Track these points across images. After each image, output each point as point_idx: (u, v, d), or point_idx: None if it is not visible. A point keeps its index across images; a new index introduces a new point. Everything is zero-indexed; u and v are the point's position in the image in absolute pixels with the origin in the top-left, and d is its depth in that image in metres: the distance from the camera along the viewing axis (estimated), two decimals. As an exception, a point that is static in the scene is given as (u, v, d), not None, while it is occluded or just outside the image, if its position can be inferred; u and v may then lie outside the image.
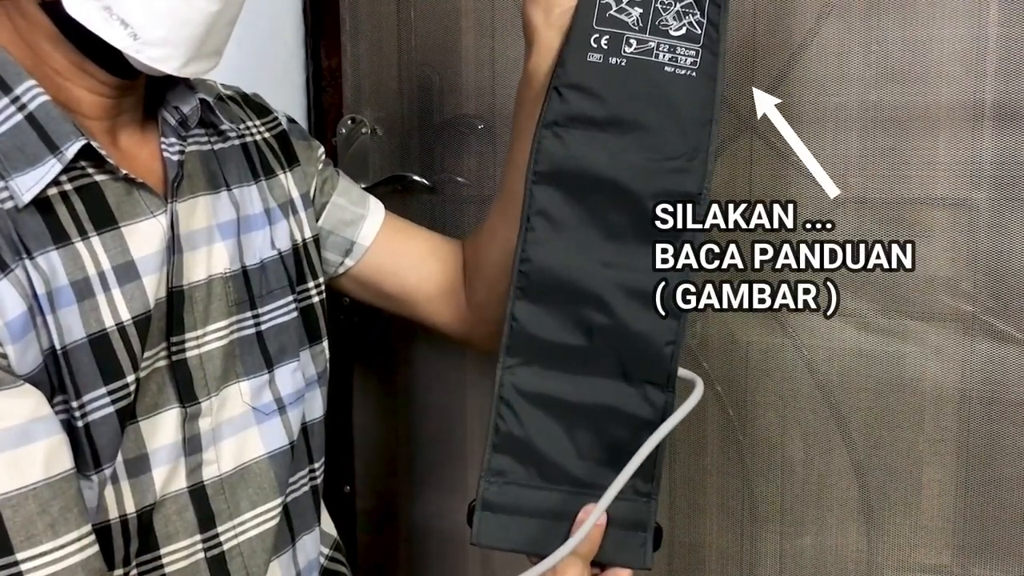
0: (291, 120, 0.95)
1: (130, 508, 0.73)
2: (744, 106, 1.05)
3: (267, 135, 0.90)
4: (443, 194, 1.20)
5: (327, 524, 0.98)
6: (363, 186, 1.18)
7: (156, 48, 0.69)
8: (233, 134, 0.85)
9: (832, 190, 1.03)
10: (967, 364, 1.02)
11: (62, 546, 0.65)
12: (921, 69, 0.99)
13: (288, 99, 1.21)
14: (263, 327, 0.83)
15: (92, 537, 0.68)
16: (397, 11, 1.19)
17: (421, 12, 1.18)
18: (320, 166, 0.95)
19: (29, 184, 0.67)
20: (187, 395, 0.77)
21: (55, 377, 0.68)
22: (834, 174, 1.03)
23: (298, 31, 1.22)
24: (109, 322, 0.70)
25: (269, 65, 1.19)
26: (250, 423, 0.82)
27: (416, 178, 1.19)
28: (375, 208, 0.97)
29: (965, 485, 1.04)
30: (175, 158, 0.77)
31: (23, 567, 0.63)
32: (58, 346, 0.67)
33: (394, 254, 0.96)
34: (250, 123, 0.89)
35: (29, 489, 0.64)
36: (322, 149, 0.96)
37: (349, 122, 1.21)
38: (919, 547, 1.06)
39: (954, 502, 1.04)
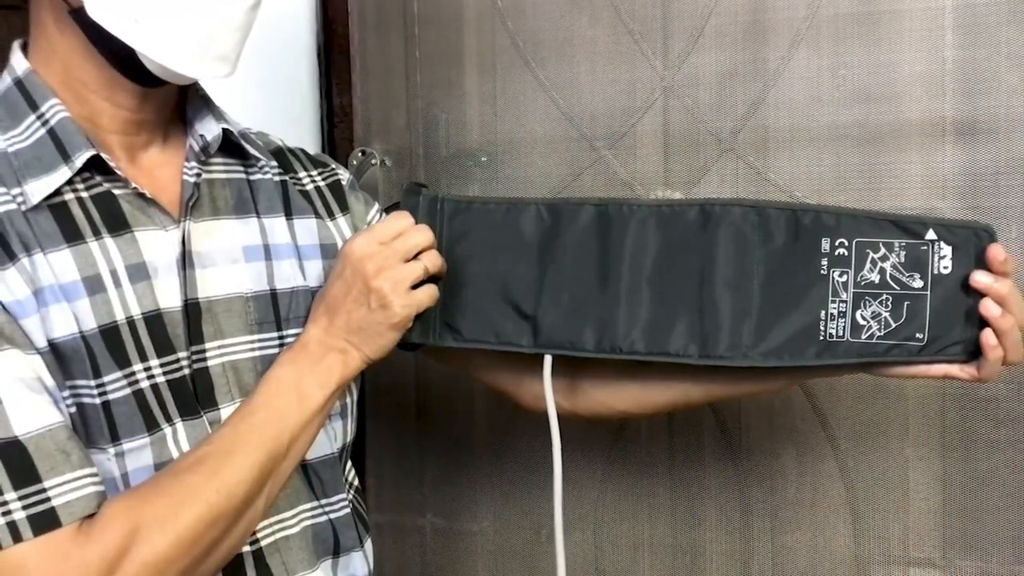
0: (354, 180, 1.00)
1: None
2: (725, 129, 1.14)
3: (320, 183, 0.95)
4: (448, 220, 1.28)
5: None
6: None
7: (165, 47, 0.74)
8: (273, 169, 0.90)
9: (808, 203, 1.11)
10: (942, 365, 1.08)
11: (80, 477, 0.70)
12: (886, 90, 1.08)
13: (304, 134, 1.31)
14: None
15: (98, 478, 0.73)
16: (404, 51, 1.29)
17: (426, 52, 1.28)
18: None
19: (40, 188, 0.74)
20: (207, 401, 0.80)
21: (76, 358, 0.73)
22: (810, 190, 1.11)
23: (313, 73, 1.32)
24: (120, 316, 0.76)
25: (287, 104, 1.29)
26: None
27: (423, 203, 1.27)
28: None
29: (944, 481, 1.09)
30: (191, 180, 0.82)
31: (50, 493, 0.68)
32: (65, 333, 0.73)
33: None
34: (303, 174, 0.94)
35: (46, 429, 0.70)
36: (375, 209, 0.99)
37: (360, 154, 1.30)
38: (905, 542, 1.11)
39: (941, 497, 1.09)
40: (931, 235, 0.79)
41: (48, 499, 0.68)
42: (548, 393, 0.86)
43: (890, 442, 1.11)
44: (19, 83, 0.78)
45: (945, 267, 0.79)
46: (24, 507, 0.68)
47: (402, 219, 0.82)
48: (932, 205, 1.07)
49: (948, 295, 0.78)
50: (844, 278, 0.81)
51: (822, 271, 0.81)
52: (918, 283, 0.79)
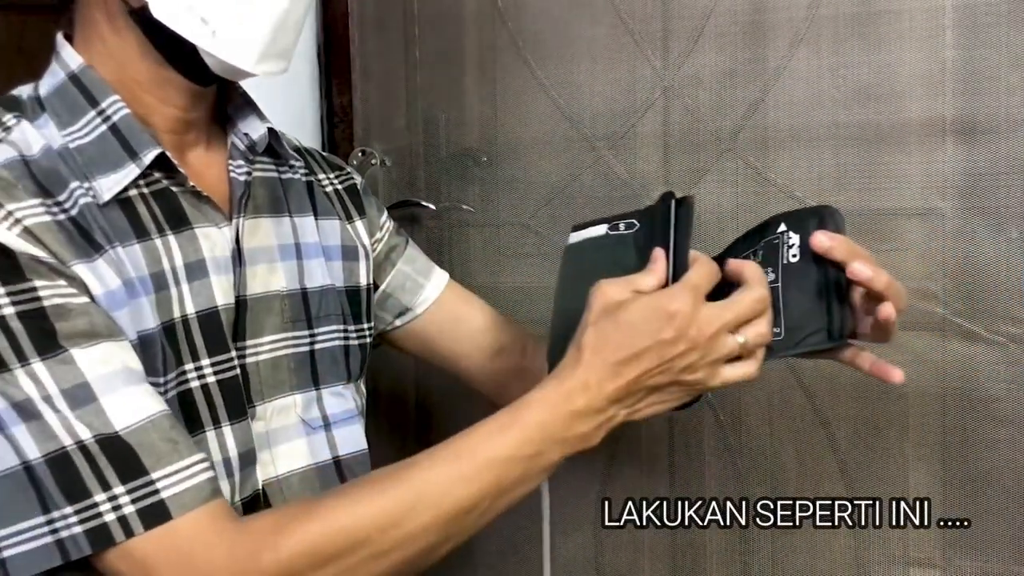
0: (366, 184, 1.02)
1: None
2: (725, 129, 1.14)
3: (339, 186, 0.97)
4: (448, 219, 1.28)
5: None
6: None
7: (232, 45, 0.75)
8: (301, 169, 0.91)
9: (808, 204, 1.11)
10: (943, 365, 1.08)
11: (190, 465, 0.69)
12: (886, 90, 1.08)
13: (304, 134, 1.31)
14: (316, 347, 0.87)
15: (209, 462, 0.71)
16: (404, 52, 1.29)
17: (426, 52, 1.28)
18: (386, 235, 1.00)
19: (110, 185, 0.74)
20: (247, 398, 0.81)
21: (152, 352, 0.73)
22: (810, 190, 1.11)
23: (313, 73, 1.33)
24: (176, 313, 0.76)
25: (287, 103, 1.29)
26: (300, 434, 0.85)
27: (423, 203, 1.28)
28: (438, 279, 1.02)
29: (944, 481, 1.09)
30: (242, 178, 0.83)
31: (159, 485, 0.67)
32: (149, 326, 0.74)
33: (444, 322, 1.01)
34: (322, 176, 0.96)
35: (147, 420, 0.69)
36: (386, 215, 1.01)
37: (360, 154, 1.31)
38: (905, 542, 1.11)
39: (941, 497, 1.09)
40: (782, 227, 0.78)
41: (157, 491, 0.67)
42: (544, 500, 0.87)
43: (890, 442, 1.11)
44: (75, 78, 0.77)
45: (793, 255, 0.76)
46: (133, 500, 0.67)
47: (762, 285, 0.72)
48: (932, 205, 1.07)
49: (799, 284, 0.75)
50: None
51: None
52: (771, 276, 0.76)
